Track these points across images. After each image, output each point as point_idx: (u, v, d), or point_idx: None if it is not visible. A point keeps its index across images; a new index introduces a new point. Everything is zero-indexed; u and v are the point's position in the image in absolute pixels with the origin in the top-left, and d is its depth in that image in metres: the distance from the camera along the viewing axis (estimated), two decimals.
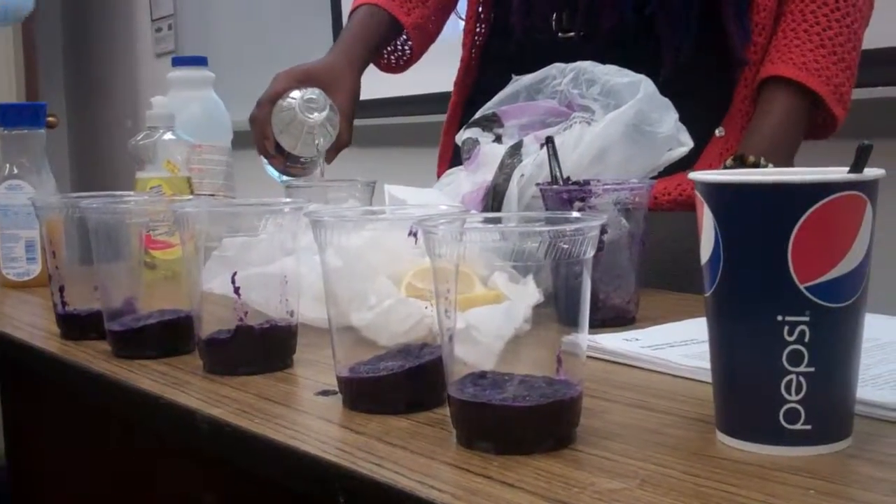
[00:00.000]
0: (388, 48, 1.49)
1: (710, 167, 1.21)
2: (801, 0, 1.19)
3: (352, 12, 1.46)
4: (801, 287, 0.56)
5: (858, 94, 1.26)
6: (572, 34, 1.27)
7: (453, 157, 1.37)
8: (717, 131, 1.24)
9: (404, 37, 1.48)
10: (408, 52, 1.51)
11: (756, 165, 1.12)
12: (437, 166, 1.45)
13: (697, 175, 0.61)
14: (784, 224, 0.56)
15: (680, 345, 0.83)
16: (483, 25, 1.43)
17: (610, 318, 0.95)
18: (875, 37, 1.31)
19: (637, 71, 1.12)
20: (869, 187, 0.57)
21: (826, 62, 1.17)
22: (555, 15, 1.28)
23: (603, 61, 1.16)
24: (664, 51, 1.22)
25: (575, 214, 0.67)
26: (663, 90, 1.10)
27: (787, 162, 1.21)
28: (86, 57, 4.76)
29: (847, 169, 0.57)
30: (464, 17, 1.46)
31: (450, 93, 1.48)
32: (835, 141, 1.23)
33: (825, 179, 0.56)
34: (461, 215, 0.72)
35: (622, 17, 1.23)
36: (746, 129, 1.23)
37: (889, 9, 1.32)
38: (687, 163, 1.14)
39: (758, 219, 0.57)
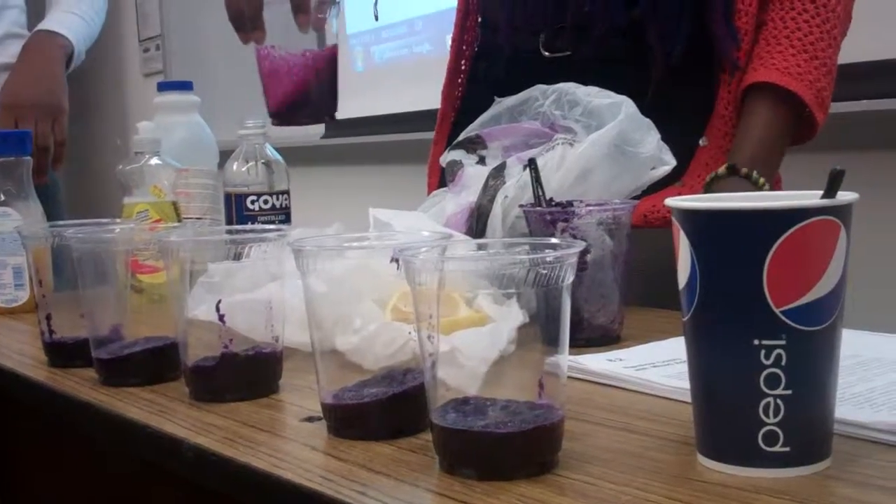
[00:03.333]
0: None
1: (700, 178, 1.22)
2: (780, 7, 1.19)
3: None
4: (777, 311, 0.57)
5: (839, 107, 1.27)
6: (559, 54, 1.28)
7: (442, 169, 1.37)
8: (700, 141, 1.24)
9: None
10: None
11: (748, 177, 1.13)
12: (428, 177, 1.45)
13: (673, 201, 0.61)
14: (759, 249, 0.57)
15: (662, 365, 0.84)
16: (469, 34, 1.43)
17: (595, 337, 0.95)
18: (856, 51, 1.32)
19: (624, 91, 1.12)
20: (842, 212, 0.58)
21: (808, 66, 1.18)
22: (542, 36, 1.29)
23: (588, 81, 1.16)
24: (655, 56, 1.21)
25: (553, 240, 0.67)
26: (648, 108, 1.11)
27: (773, 173, 1.22)
28: (74, 76, 4.75)
29: (821, 193, 0.58)
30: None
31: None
32: (814, 154, 1.24)
33: (799, 205, 0.57)
34: (442, 242, 0.73)
35: (613, 21, 1.23)
36: (733, 141, 1.23)
37: (870, 23, 1.33)
38: (675, 177, 1.14)
39: (733, 244, 0.58)
